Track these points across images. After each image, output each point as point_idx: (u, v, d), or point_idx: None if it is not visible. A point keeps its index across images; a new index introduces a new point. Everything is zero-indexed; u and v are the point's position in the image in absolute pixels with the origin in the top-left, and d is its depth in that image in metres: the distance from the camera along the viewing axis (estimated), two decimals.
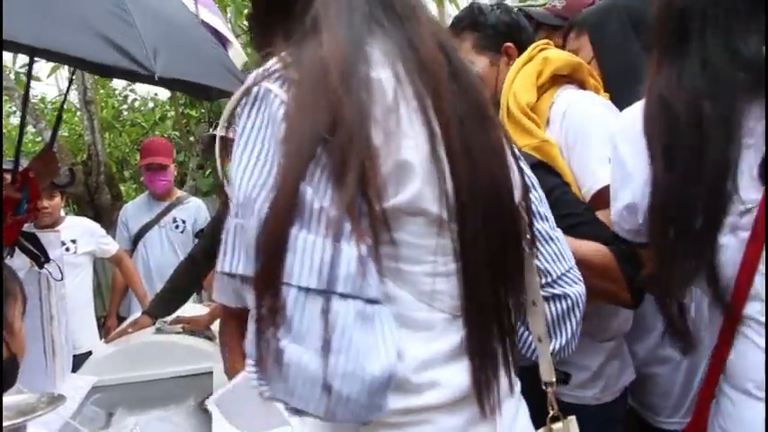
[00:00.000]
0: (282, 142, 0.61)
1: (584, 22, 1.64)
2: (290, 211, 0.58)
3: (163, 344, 2.12)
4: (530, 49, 1.48)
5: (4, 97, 6.00)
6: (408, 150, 0.65)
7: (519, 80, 1.42)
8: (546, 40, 1.54)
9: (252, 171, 0.61)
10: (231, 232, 0.63)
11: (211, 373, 1.96)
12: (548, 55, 1.44)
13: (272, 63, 0.67)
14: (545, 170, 1.24)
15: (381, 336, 0.60)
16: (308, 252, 0.58)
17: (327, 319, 0.57)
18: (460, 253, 0.69)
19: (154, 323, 2.19)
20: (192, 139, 6.12)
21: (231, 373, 1.70)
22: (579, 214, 1.20)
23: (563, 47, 1.62)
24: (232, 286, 0.69)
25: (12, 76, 5.28)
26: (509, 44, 1.55)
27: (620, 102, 1.47)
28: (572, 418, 0.99)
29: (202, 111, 5.97)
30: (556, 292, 0.93)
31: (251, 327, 0.61)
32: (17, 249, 1.91)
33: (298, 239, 0.58)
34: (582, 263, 1.11)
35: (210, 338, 2.22)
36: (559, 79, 1.43)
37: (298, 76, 0.64)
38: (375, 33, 0.69)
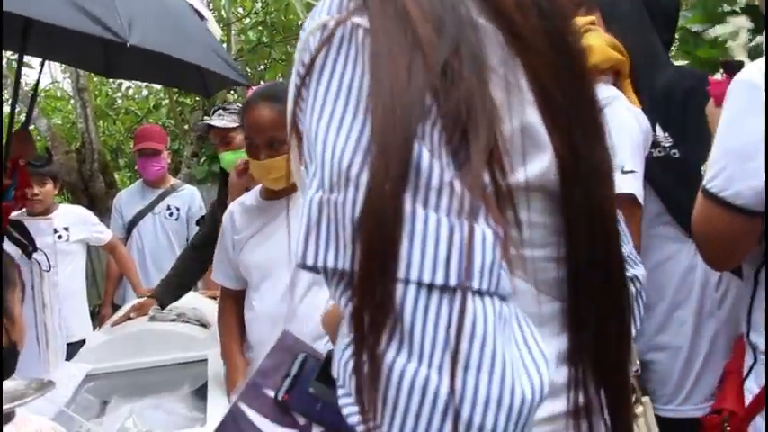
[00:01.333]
0: (377, 89, 0.44)
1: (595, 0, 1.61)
2: (403, 180, 0.42)
3: (157, 331, 2.11)
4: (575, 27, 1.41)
5: None
6: (533, 111, 0.51)
7: None
8: (592, 18, 1.46)
9: (344, 132, 0.45)
10: (314, 212, 0.45)
11: (206, 360, 1.95)
12: (592, 43, 1.36)
13: None
14: None
15: (525, 345, 0.45)
16: (431, 236, 0.42)
17: (462, 326, 0.41)
18: (567, 236, 0.56)
19: (161, 308, 2.20)
20: (186, 127, 6.08)
21: (226, 356, 1.70)
22: None
23: None
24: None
25: (3, 63, 5.22)
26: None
27: (632, 83, 1.45)
28: (647, 400, 0.99)
29: (197, 99, 5.93)
30: (627, 273, 0.91)
31: (341, 342, 0.46)
32: (5, 238, 1.89)
33: (416, 219, 0.42)
34: None
35: (205, 326, 2.21)
36: (597, 71, 1.37)
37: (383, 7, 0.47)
38: None
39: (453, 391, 0.39)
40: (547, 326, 0.55)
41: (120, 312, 2.40)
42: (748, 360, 1.08)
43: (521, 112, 0.51)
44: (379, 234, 0.42)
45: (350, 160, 0.43)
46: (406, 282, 0.41)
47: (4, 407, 0.70)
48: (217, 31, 2.97)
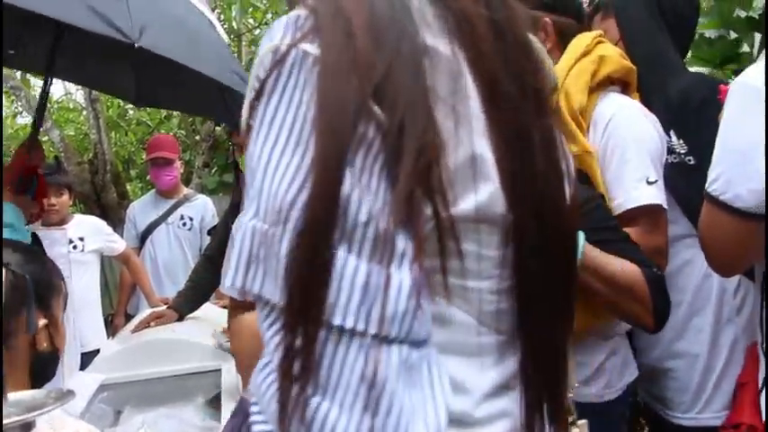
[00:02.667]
0: (316, 118, 0.45)
1: (611, 3, 1.60)
2: (331, 223, 0.43)
3: (171, 341, 2.11)
4: (587, 39, 1.40)
5: (11, 97, 6.01)
6: (482, 141, 0.51)
7: (573, 78, 1.36)
8: (600, 31, 1.46)
9: (284, 163, 0.45)
10: (248, 239, 0.46)
11: (220, 370, 1.95)
12: (605, 53, 1.37)
13: (303, 14, 0.50)
14: (580, 178, 1.23)
15: (431, 390, 0.46)
16: (347, 281, 0.43)
17: (371, 371, 0.43)
18: (513, 268, 0.55)
19: (180, 319, 2.22)
20: (197, 137, 6.12)
21: (241, 368, 1.69)
22: (612, 228, 1.18)
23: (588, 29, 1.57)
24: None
25: (17, 74, 5.29)
26: (546, 19, 1.44)
27: (646, 89, 1.45)
28: (583, 423, 0.96)
29: None
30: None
31: (261, 362, 0.47)
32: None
33: (339, 264, 0.43)
34: (610, 279, 1.10)
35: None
36: (607, 81, 1.38)
37: (333, 26, 0.48)
38: None
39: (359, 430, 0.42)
40: (486, 356, 0.56)
41: (136, 320, 2.41)
42: (763, 371, 1.06)
43: (469, 142, 0.50)
44: (304, 276, 0.43)
45: (284, 195, 0.44)
46: (328, 325, 0.43)
47: (25, 416, 0.70)
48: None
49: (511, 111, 0.53)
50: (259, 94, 0.49)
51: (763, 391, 1.04)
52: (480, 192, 0.51)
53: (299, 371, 0.43)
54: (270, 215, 0.45)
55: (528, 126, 0.54)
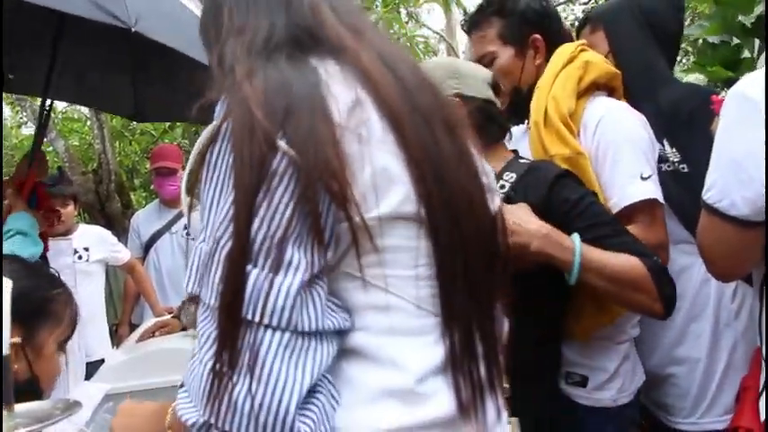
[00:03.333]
0: (233, 170, 0.61)
1: (599, 17, 1.63)
2: (243, 250, 0.60)
3: (176, 351, 2.12)
4: (571, 47, 1.44)
5: (15, 107, 6.05)
6: (386, 155, 0.66)
7: (560, 83, 1.39)
8: (583, 40, 1.52)
9: (218, 206, 0.62)
10: (200, 256, 0.64)
11: None
12: (589, 59, 1.41)
13: (222, 103, 0.67)
14: (573, 179, 1.24)
15: (308, 371, 0.60)
16: (249, 285, 0.59)
17: (256, 349, 0.59)
18: (436, 256, 0.68)
19: (184, 328, 2.22)
20: None
21: None
22: (608, 223, 1.20)
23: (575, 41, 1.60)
24: None
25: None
26: (537, 36, 1.50)
27: (637, 99, 1.47)
28: (514, 420, 1.06)
29: None
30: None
31: (190, 360, 0.63)
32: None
33: (246, 276, 0.60)
34: (612, 276, 1.12)
35: None
36: (593, 86, 1.42)
37: (237, 108, 0.63)
38: (317, 54, 0.71)
39: (250, 391, 0.57)
40: (425, 336, 0.68)
41: (141, 330, 2.43)
42: (764, 375, 1.06)
43: (376, 158, 0.65)
44: (225, 284, 0.60)
45: (218, 228, 0.61)
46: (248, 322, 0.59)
47: (32, 428, 0.72)
48: None
49: (415, 133, 0.68)
50: (206, 149, 0.65)
51: (763, 395, 1.04)
52: (391, 196, 0.65)
53: (220, 351, 0.59)
54: (210, 240, 0.62)
55: (435, 144, 0.69)
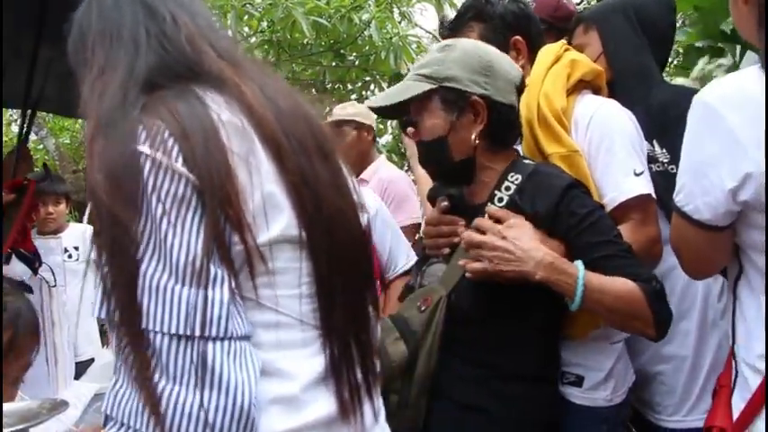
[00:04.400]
0: (143, 194, 0.67)
1: (592, 17, 1.63)
2: (165, 267, 0.65)
3: None
4: (555, 47, 1.46)
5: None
6: (271, 182, 0.73)
7: (550, 82, 1.39)
8: (564, 40, 1.53)
9: (134, 236, 0.67)
10: (105, 279, 0.69)
11: None
12: (575, 57, 1.43)
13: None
14: (581, 189, 1.24)
15: (251, 370, 0.67)
16: (176, 303, 0.64)
17: (203, 360, 0.63)
18: (316, 276, 0.76)
19: None
20: None
21: None
22: (612, 242, 1.20)
23: (569, 42, 1.61)
24: None
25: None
26: (518, 37, 1.51)
27: (628, 100, 1.48)
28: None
29: None
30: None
31: (112, 388, 0.68)
32: (14, 257, 1.91)
33: (166, 290, 0.64)
34: (612, 305, 1.15)
35: None
36: (580, 84, 1.43)
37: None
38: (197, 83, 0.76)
39: (201, 403, 0.62)
40: (308, 348, 0.77)
41: None
42: (734, 373, 1.07)
43: (263, 185, 0.71)
44: (160, 308, 0.64)
45: (142, 254, 0.66)
46: (162, 334, 0.63)
47: (18, 427, 0.71)
48: None
49: (294, 160, 0.75)
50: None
51: (734, 393, 1.05)
52: (279, 220, 0.72)
53: (145, 368, 0.63)
54: (134, 266, 0.66)
55: (312, 169, 0.76)
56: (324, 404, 0.76)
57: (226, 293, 0.66)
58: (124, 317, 0.65)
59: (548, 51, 1.45)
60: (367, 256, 0.85)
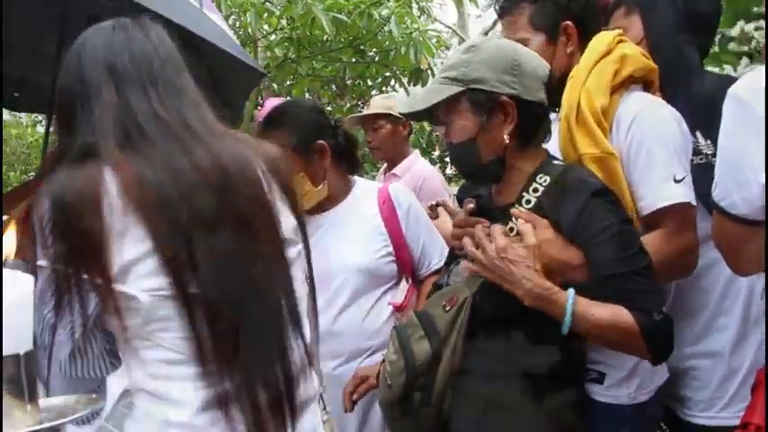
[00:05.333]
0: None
1: (636, 0, 1.57)
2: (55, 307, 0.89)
3: None
4: (608, 37, 1.39)
5: None
6: (147, 243, 0.86)
7: (594, 78, 1.34)
8: (620, 30, 1.45)
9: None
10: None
11: None
12: (627, 52, 1.37)
13: None
14: (607, 198, 1.21)
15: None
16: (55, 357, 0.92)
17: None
18: (190, 321, 0.88)
19: None
20: None
21: None
22: (628, 259, 1.17)
23: (606, 24, 1.55)
24: None
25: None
26: (569, 23, 1.45)
27: (669, 92, 1.43)
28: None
29: None
30: None
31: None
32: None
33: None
34: (602, 336, 1.17)
35: None
36: (629, 80, 1.37)
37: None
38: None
39: None
40: (198, 381, 0.89)
41: None
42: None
43: (137, 247, 0.86)
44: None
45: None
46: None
47: (54, 423, 0.72)
48: None
49: (163, 215, 0.87)
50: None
51: None
52: (151, 278, 0.87)
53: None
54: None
55: (185, 222, 0.88)
56: (222, 429, 0.89)
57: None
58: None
59: (600, 40, 1.39)
60: (291, 293, 0.99)
